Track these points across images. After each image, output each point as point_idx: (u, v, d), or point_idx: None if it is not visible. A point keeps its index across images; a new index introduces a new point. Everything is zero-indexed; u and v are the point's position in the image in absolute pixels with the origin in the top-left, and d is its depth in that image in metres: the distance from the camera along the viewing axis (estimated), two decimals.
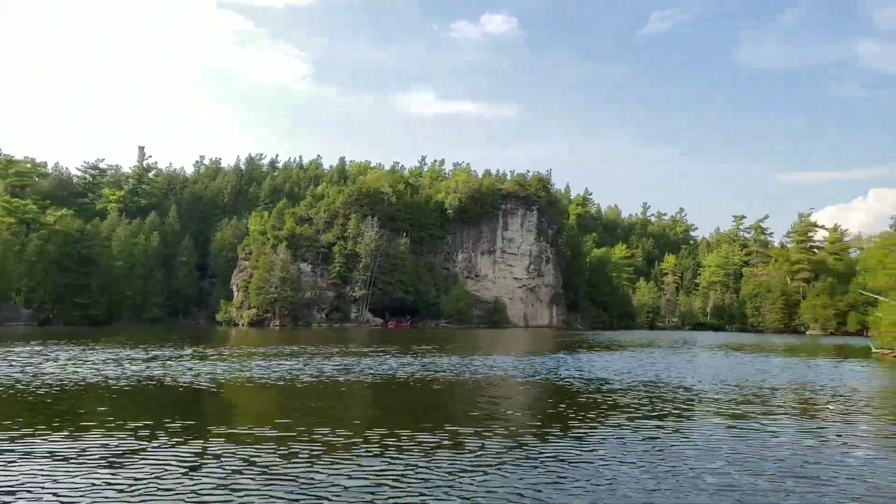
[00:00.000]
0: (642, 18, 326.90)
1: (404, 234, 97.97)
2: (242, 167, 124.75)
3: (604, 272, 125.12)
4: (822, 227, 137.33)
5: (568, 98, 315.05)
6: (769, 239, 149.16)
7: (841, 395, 19.49)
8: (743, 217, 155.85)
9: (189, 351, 31.85)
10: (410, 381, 20.43)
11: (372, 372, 22.84)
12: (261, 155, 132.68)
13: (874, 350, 44.54)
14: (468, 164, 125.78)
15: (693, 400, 17.68)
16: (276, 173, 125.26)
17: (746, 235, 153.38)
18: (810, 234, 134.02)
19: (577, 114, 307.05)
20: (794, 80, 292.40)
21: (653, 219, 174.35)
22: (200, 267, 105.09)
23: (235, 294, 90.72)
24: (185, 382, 18.71)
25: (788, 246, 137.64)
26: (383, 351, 34.92)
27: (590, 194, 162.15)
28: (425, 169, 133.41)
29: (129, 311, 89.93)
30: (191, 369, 22.17)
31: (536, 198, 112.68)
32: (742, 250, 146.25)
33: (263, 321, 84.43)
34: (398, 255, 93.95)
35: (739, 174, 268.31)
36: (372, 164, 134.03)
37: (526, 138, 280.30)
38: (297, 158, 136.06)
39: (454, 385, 19.81)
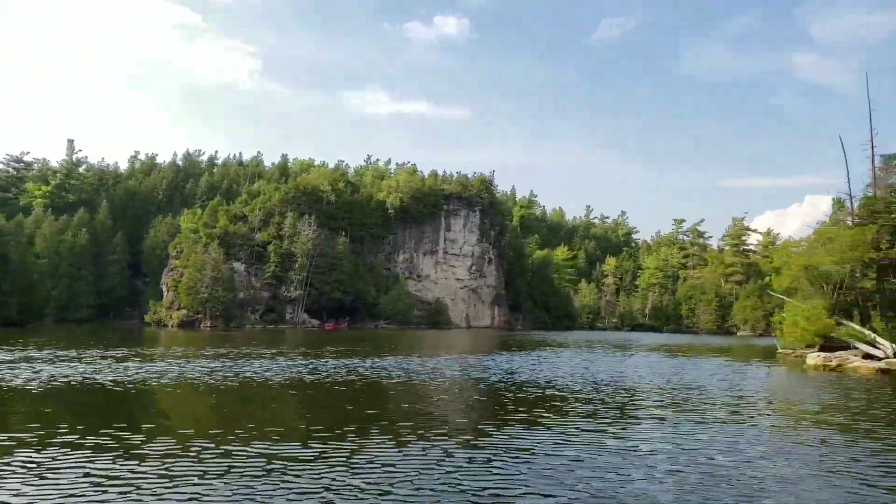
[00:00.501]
0: (592, 25, 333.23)
1: (343, 233, 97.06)
2: (179, 163, 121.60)
3: (546, 273, 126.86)
4: (755, 231, 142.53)
5: (519, 101, 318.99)
6: (707, 242, 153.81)
7: (707, 395, 19.92)
8: (682, 220, 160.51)
9: (72, 353, 30.62)
10: (284, 383, 20.05)
11: (247, 374, 22.35)
12: (199, 151, 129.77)
13: (779, 350, 46.19)
14: (414, 164, 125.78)
15: (555, 400, 17.77)
16: (214, 170, 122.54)
17: (686, 238, 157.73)
18: (744, 237, 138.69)
19: (528, 117, 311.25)
20: (736, 89, 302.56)
21: (596, 221, 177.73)
22: (133, 266, 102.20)
23: (165, 294, 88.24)
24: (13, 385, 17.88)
25: (724, 249, 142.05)
26: (281, 353, 34.35)
27: (535, 196, 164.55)
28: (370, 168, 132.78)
29: (55, 310, 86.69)
30: (38, 372, 21.26)
31: (479, 199, 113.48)
32: (680, 253, 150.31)
33: (194, 322, 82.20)
34: (336, 254, 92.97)
35: (683, 179, 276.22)
36: (316, 163, 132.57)
37: (478, 140, 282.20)
38: (237, 155, 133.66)
39: (340, 387, 19.55)
